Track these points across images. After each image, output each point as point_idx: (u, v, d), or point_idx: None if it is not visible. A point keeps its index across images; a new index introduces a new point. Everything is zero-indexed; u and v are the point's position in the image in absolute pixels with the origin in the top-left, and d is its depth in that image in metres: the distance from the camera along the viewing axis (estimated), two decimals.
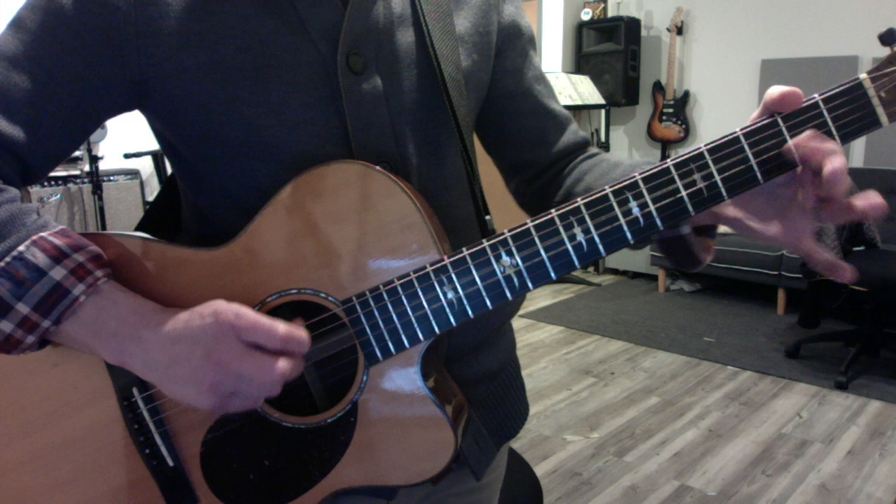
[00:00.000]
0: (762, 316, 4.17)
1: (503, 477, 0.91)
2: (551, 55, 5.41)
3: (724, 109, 4.97)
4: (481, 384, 0.80)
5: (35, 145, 0.63)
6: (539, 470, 2.50)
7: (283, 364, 0.59)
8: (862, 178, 3.76)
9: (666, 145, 5.23)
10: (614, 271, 5.39)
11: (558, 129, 0.83)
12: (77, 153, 3.78)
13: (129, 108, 0.67)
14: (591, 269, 5.44)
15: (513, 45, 0.81)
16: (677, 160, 0.58)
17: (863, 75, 0.55)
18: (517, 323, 4.19)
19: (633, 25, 5.13)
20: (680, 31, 4.99)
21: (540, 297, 4.70)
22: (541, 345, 3.84)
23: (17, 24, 0.63)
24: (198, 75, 0.63)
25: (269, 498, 0.67)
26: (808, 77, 4.48)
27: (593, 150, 0.84)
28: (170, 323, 0.60)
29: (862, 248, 3.31)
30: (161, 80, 0.63)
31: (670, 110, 5.10)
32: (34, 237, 0.59)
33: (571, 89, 4.72)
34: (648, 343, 3.79)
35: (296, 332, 0.60)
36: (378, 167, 0.63)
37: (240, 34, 0.63)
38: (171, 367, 0.59)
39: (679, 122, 5.08)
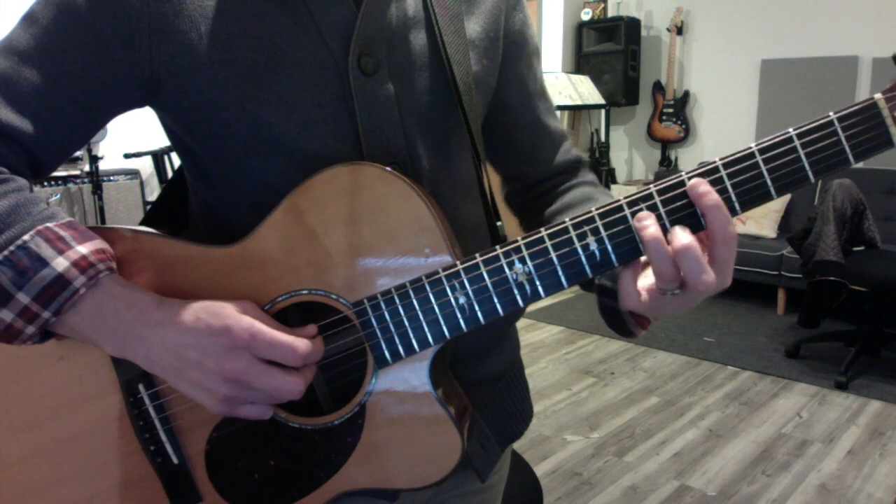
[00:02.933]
0: (762, 316, 4.18)
1: (507, 477, 0.91)
2: (551, 55, 5.42)
3: (724, 109, 4.98)
4: (486, 386, 0.80)
5: (44, 139, 0.63)
6: (539, 470, 2.50)
7: (301, 381, 0.60)
8: (862, 178, 3.76)
9: (666, 145, 5.24)
10: None
11: (552, 147, 0.84)
12: (77, 153, 3.78)
13: (139, 105, 0.67)
14: None
15: (519, 54, 0.81)
16: (692, 174, 0.58)
17: (878, 95, 0.56)
18: (517, 323, 4.19)
19: (633, 25, 5.13)
20: (680, 31, 4.99)
21: None
22: (541, 345, 3.84)
23: (29, 18, 0.63)
24: (210, 73, 0.63)
25: (274, 498, 0.67)
26: (808, 77, 4.49)
27: (587, 174, 0.85)
28: (173, 324, 0.60)
29: (862, 248, 3.31)
30: (173, 78, 0.63)
31: (670, 110, 5.10)
32: (39, 227, 0.59)
33: (571, 89, 4.72)
34: (648, 343, 3.79)
35: (311, 346, 0.61)
36: (389, 168, 0.63)
37: (253, 33, 0.63)
38: (182, 370, 0.59)
39: (679, 122, 5.09)
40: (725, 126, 4.96)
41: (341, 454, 0.66)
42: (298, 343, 0.59)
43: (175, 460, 0.67)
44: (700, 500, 2.32)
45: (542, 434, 2.80)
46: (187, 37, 0.62)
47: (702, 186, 0.56)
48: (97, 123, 0.67)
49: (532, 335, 4.00)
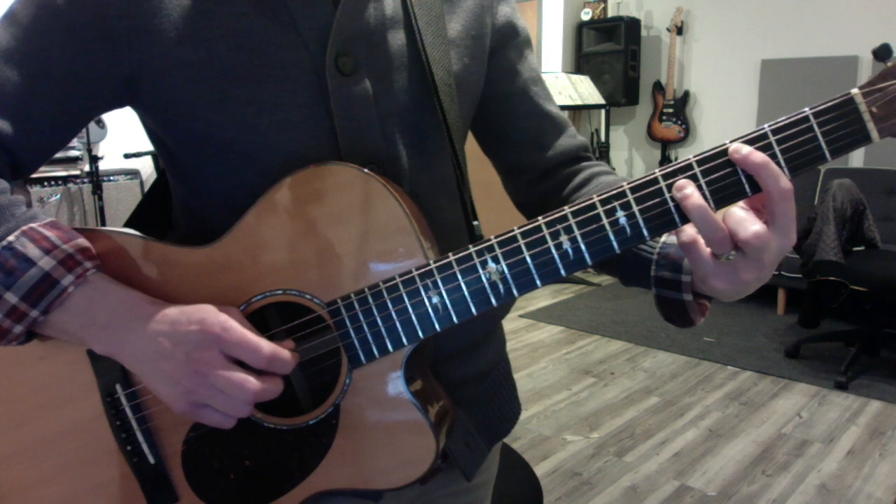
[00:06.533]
0: (762, 316, 4.17)
1: (496, 476, 0.91)
2: (551, 55, 5.41)
3: (724, 109, 4.97)
4: (471, 385, 0.80)
5: (24, 139, 0.63)
6: (539, 470, 2.50)
7: (258, 385, 0.59)
8: (862, 178, 3.76)
9: (666, 145, 5.23)
10: None
11: (555, 132, 0.83)
12: (77, 153, 3.78)
13: (120, 105, 0.67)
14: (590, 269, 5.44)
15: (508, 45, 0.81)
16: (666, 170, 0.58)
17: (854, 90, 0.55)
18: (517, 323, 4.19)
19: (633, 25, 5.13)
20: (680, 31, 4.98)
21: (540, 297, 4.70)
22: (541, 345, 3.84)
23: (9, 18, 0.63)
24: (190, 73, 0.63)
25: (250, 498, 0.67)
26: (808, 77, 4.48)
27: (598, 164, 0.83)
28: (159, 317, 0.60)
29: (862, 248, 3.31)
30: (153, 77, 0.63)
31: (670, 110, 5.10)
32: (24, 228, 0.59)
33: (571, 89, 4.72)
34: (648, 343, 3.79)
35: (281, 352, 0.60)
36: (367, 170, 0.63)
37: (233, 33, 0.63)
38: (156, 360, 0.60)
39: (679, 122, 5.08)
40: (725, 126, 4.96)
41: (316, 454, 0.66)
42: (264, 343, 0.60)
43: (151, 460, 0.67)
44: (700, 500, 2.32)
45: (542, 434, 2.80)
46: (167, 36, 0.62)
47: (744, 148, 0.55)
48: (78, 124, 0.67)
49: (532, 335, 4.00)
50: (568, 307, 4.49)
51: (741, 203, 0.57)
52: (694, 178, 0.57)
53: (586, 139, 0.86)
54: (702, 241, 0.58)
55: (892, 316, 3.37)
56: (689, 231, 0.58)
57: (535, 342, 3.88)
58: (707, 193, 0.57)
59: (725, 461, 2.56)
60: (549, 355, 3.68)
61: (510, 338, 3.92)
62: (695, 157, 0.58)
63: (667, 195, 0.58)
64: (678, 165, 0.58)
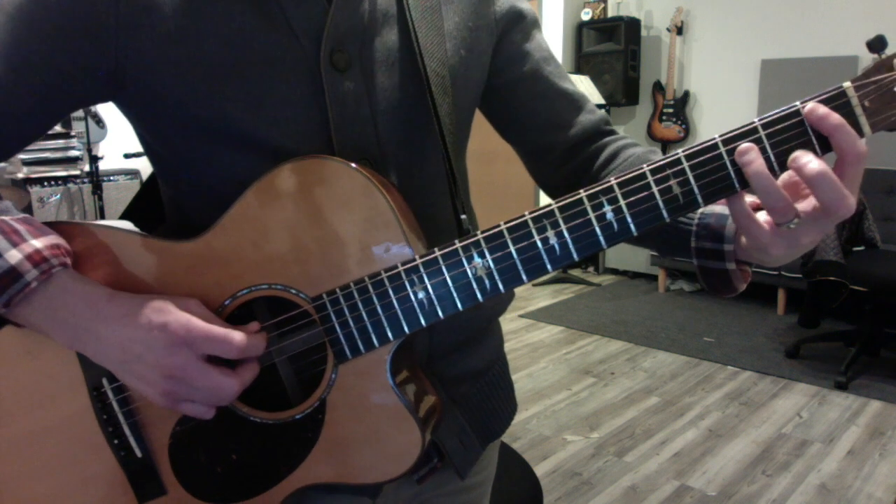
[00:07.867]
0: (762, 316, 4.17)
1: (494, 476, 0.91)
2: None
3: (724, 109, 4.97)
4: (465, 383, 0.79)
5: (2, 128, 0.63)
6: (539, 470, 2.50)
7: (236, 382, 0.61)
8: (862, 178, 3.76)
9: (666, 145, 5.23)
10: (614, 271, 5.39)
11: (574, 110, 0.82)
12: (77, 153, 3.78)
13: (102, 99, 0.67)
14: (591, 268, 5.43)
15: (514, 29, 0.80)
16: (654, 165, 0.57)
17: (846, 83, 0.54)
18: (517, 323, 4.19)
19: (633, 25, 5.13)
20: (680, 31, 4.98)
21: (540, 297, 4.70)
22: (541, 345, 3.84)
23: None
24: (179, 69, 0.63)
25: (236, 491, 0.67)
26: (808, 77, 4.48)
27: (623, 137, 0.82)
28: (121, 318, 0.60)
29: (862, 248, 3.31)
30: (140, 73, 0.63)
31: (670, 110, 5.09)
32: None
33: None
34: (648, 343, 3.79)
35: (251, 339, 0.61)
36: (354, 164, 0.62)
37: (224, 31, 0.63)
38: (127, 364, 0.60)
39: (679, 122, 5.08)
40: (725, 126, 4.86)
41: (303, 449, 0.66)
42: (234, 336, 0.60)
43: (139, 454, 0.67)
44: (700, 500, 2.32)
45: (542, 434, 2.80)
46: (157, 32, 0.62)
47: (821, 109, 0.53)
48: (59, 115, 0.67)
49: (532, 335, 4.00)
50: (568, 307, 4.48)
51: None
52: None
53: (605, 113, 0.84)
54: (759, 214, 0.56)
55: (892, 316, 3.37)
56: (743, 204, 0.57)
57: (535, 342, 3.88)
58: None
59: (725, 461, 2.56)
60: (549, 355, 3.68)
61: (510, 338, 3.92)
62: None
63: (654, 189, 0.57)
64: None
